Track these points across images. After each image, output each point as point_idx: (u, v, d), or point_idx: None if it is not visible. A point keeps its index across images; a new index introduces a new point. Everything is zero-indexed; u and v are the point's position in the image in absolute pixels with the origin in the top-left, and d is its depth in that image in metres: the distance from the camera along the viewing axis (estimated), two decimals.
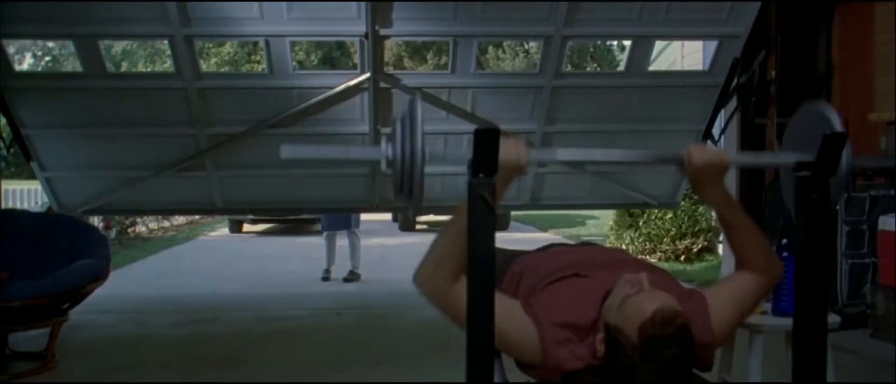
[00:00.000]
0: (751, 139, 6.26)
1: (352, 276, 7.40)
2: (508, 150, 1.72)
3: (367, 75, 5.42)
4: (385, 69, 5.78)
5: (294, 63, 5.83)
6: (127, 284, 7.12)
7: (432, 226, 12.94)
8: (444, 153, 1.81)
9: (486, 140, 1.63)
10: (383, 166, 1.64)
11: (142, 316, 5.81)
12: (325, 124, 5.61)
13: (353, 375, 4.22)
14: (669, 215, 8.26)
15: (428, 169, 1.61)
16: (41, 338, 4.28)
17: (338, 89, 5.51)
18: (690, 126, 5.87)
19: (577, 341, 1.80)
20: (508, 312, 1.81)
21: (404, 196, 1.66)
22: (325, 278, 7.39)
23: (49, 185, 5.97)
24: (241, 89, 5.71)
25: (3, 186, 7.29)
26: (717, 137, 6.04)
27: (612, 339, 1.72)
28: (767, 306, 2.95)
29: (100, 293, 4.47)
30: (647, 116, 5.75)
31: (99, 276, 4.31)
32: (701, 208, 8.39)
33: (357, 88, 5.50)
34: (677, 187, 6.44)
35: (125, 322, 5.55)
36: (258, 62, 29.47)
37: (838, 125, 1.78)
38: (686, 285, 2.05)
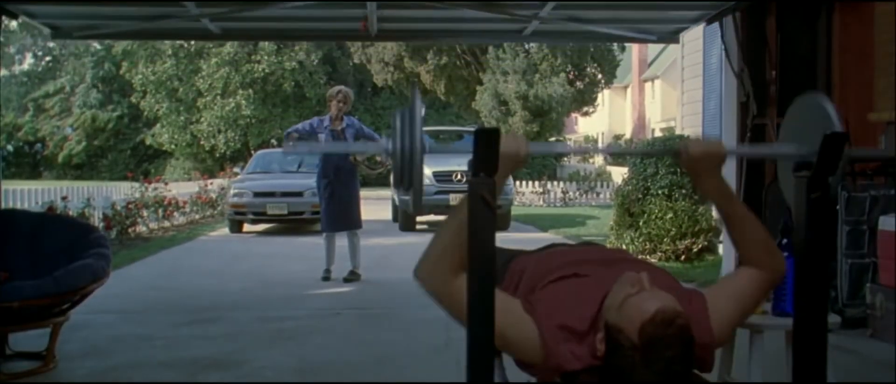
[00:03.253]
0: (751, 139, 6.25)
1: (352, 276, 7.40)
2: (508, 143, 1.73)
3: None
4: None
5: None
6: (127, 284, 7.11)
7: (432, 226, 12.95)
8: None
9: (487, 140, 1.63)
10: (384, 159, 1.67)
11: (142, 316, 5.81)
12: None
13: (354, 375, 4.22)
14: (669, 215, 8.26)
15: None
16: (41, 338, 4.27)
17: None
18: None
19: (576, 341, 1.80)
20: (509, 311, 1.82)
21: (404, 188, 1.68)
22: (326, 278, 7.39)
23: None
24: None
25: (3, 186, 7.28)
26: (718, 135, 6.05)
27: (612, 339, 1.72)
28: (767, 306, 2.95)
29: (100, 293, 4.47)
30: None
31: (99, 276, 4.31)
32: (701, 208, 8.40)
33: None
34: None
35: (125, 322, 5.55)
36: (258, 62, 29.49)
37: (835, 115, 1.79)
38: (686, 285, 2.05)
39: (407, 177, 1.65)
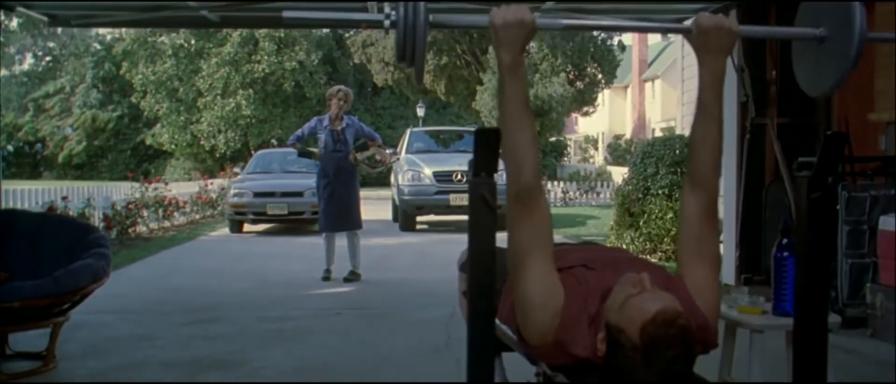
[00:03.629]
0: (751, 139, 6.25)
1: (352, 276, 7.40)
2: (509, 11, 1.74)
3: None
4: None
5: None
6: (127, 284, 7.11)
7: (432, 226, 12.95)
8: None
9: (487, 140, 1.63)
10: (385, 29, 1.62)
11: (142, 316, 5.81)
12: None
13: (354, 375, 4.22)
14: (669, 215, 8.26)
15: None
16: (41, 338, 4.27)
17: None
18: None
19: (586, 328, 1.81)
20: (545, 271, 1.83)
21: (407, 62, 1.65)
22: (326, 278, 7.39)
23: None
24: None
25: (3, 186, 7.28)
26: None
27: (613, 339, 1.72)
28: (768, 306, 2.95)
29: (100, 293, 4.47)
30: None
31: (99, 276, 4.31)
32: None
33: None
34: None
35: (125, 322, 5.55)
36: (258, 62, 29.50)
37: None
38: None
39: (409, 49, 1.61)
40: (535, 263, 1.82)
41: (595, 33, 24.58)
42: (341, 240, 7.43)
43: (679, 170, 8.36)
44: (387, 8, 1.63)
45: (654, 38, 37.45)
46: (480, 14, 1.78)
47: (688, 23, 1.87)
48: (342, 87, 7.60)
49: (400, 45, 1.63)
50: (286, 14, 1.63)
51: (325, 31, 29.79)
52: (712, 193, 1.94)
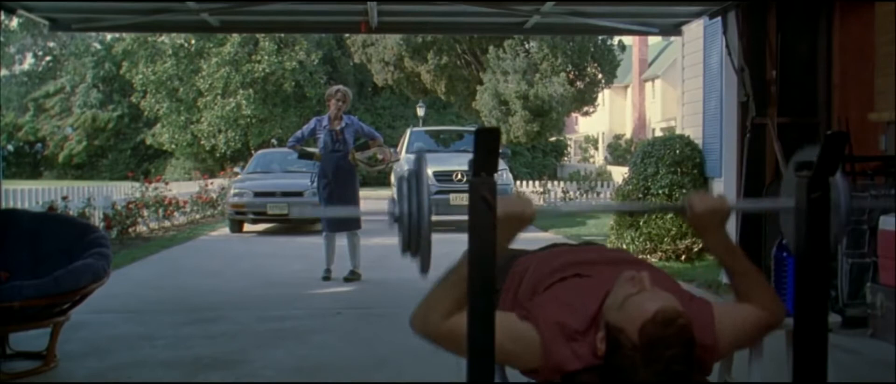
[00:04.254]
0: (751, 139, 6.25)
1: (352, 276, 7.40)
2: (514, 204, 1.76)
3: None
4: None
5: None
6: (127, 284, 7.11)
7: (432, 226, 12.92)
8: None
9: (487, 140, 1.63)
10: (390, 224, 1.66)
11: (142, 315, 5.81)
12: None
13: (354, 375, 4.22)
14: (670, 215, 8.26)
15: None
16: (41, 337, 4.27)
17: None
18: None
19: (578, 341, 1.81)
20: (507, 326, 1.82)
21: (411, 253, 1.68)
22: (326, 278, 7.39)
23: None
24: None
25: (3, 186, 7.28)
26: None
27: (613, 339, 1.72)
28: None
29: (100, 293, 4.47)
30: None
31: (99, 276, 4.31)
32: None
33: None
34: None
35: (125, 322, 5.55)
36: (258, 62, 29.49)
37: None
38: (687, 286, 2.05)
39: (414, 242, 1.64)
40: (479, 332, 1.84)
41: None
42: (341, 240, 7.43)
43: (679, 169, 8.36)
44: (389, 203, 1.68)
45: (654, 38, 37.46)
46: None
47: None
48: (340, 86, 7.60)
49: (404, 239, 1.67)
50: (293, 211, 1.70)
51: None
52: (775, 321, 1.96)
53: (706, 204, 1.86)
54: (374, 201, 15.14)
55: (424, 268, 1.72)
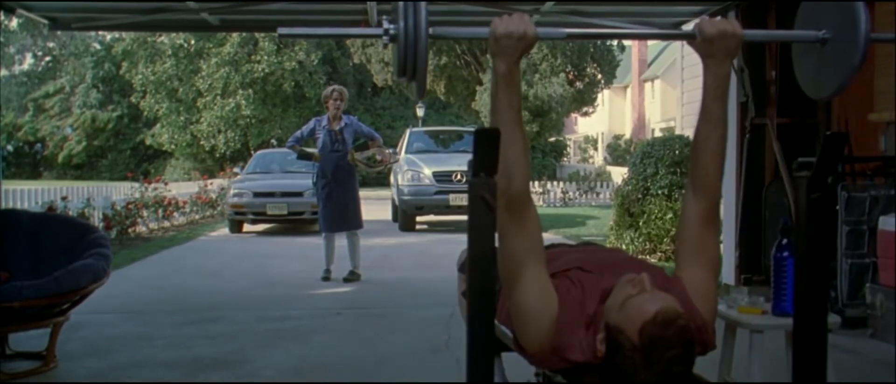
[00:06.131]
0: (751, 139, 6.25)
1: (352, 276, 7.40)
2: (513, 22, 1.72)
3: None
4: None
5: None
6: (127, 284, 7.11)
7: (432, 226, 12.95)
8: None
9: (487, 140, 1.63)
10: (384, 45, 1.57)
11: (142, 316, 5.81)
12: None
13: (354, 375, 4.22)
14: (669, 215, 8.26)
15: None
16: (41, 337, 4.28)
17: None
18: None
19: (582, 332, 1.81)
20: (539, 279, 1.83)
21: (408, 77, 1.60)
22: (326, 278, 7.38)
23: None
24: None
25: (3, 186, 7.28)
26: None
27: (613, 340, 1.72)
28: (767, 306, 2.95)
29: (100, 293, 4.47)
30: None
31: (99, 276, 4.31)
32: None
33: None
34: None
35: (125, 322, 5.55)
36: (258, 62, 29.50)
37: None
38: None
39: (411, 63, 1.57)
40: (529, 272, 1.83)
41: None
42: (341, 241, 7.43)
43: (679, 170, 8.36)
44: (386, 22, 1.57)
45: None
46: (481, 26, 1.75)
47: (690, 27, 1.86)
48: (336, 86, 7.60)
49: (400, 60, 1.58)
50: (281, 30, 1.57)
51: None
52: (714, 198, 1.94)
53: (717, 27, 1.82)
54: (374, 201, 15.17)
55: (420, 93, 1.66)
